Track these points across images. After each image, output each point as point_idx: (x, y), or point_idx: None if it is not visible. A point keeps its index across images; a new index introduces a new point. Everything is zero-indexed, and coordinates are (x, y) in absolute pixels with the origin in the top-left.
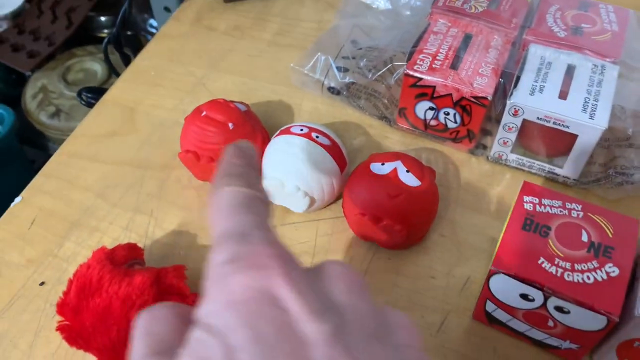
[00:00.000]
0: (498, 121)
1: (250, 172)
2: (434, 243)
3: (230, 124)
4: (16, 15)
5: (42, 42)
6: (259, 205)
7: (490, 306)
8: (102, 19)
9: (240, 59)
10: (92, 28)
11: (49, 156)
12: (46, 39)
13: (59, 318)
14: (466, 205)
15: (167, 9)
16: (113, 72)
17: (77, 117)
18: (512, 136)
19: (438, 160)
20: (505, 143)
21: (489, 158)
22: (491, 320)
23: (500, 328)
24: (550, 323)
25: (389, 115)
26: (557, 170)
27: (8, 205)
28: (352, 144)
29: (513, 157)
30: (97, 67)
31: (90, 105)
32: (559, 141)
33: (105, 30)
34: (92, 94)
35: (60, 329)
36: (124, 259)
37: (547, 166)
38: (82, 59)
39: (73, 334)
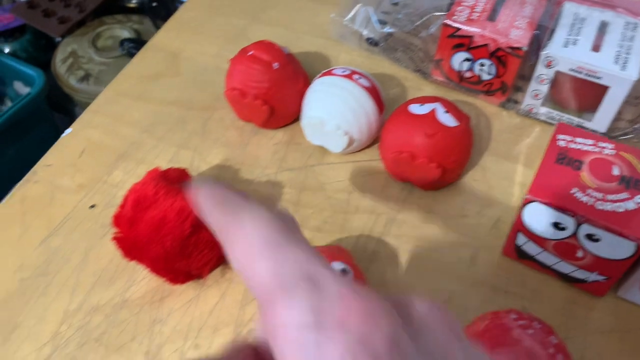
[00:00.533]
0: (529, 78)
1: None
2: (466, 186)
3: (275, 64)
4: None
5: (72, 8)
6: (293, 226)
7: (521, 239)
8: None
9: (280, 12)
10: None
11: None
12: (77, 5)
13: (108, 238)
14: (497, 153)
15: None
16: (155, 27)
17: (106, 81)
18: (544, 88)
19: (471, 112)
20: (536, 96)
21: (520, 112)
22: (520, 255)
23: (529, 263)
24: (580, 254)
25: (424, 68)
26: (586, 123)
27: (31, 166)
28: (387, 94)
29: (543, 110)
30: (126, 35)
31: (130, 54)
32: (589, 94)
33: (134, 1)
34: (134, 43)
35: (117, 239)
36: (176, 179)
37: (576, 120)
38: (111, 27)
39: (128, 244)
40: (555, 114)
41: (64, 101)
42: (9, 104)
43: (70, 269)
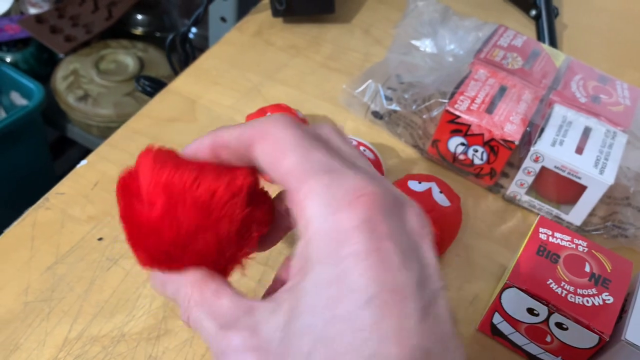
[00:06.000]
0: (517, 167)
1: None
2: (450, 261)
3: None
4: (59, 0)
5: (80, 28)
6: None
7: (497, 318)
8: (139, 17)
9: (293, 73)
10: (128, 24)
11: (65, 138)
12: (84, 26)
13: (113, 271)
14: (480, 233)
15: (223, 19)
16: (172, 68)
17: (104, 104)
18: (529, 179)
19: (459, 190)
20: (521, 185)
21: (504, 197)
22: (494, 332)
23: (501, 340)
24: (548, 338)
25: (422, 145)
26: (563, 215)
27: (19, 176)
28: (385, 164)
29: (526, 198)
30: (129, 61)
31: (146, 92)
32: (569, 190)
33: (140, 28)
34: (150, 82)
35: (140, 248)
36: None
37: (555, 211)
38: (115, 51)
39: (163, 247)
40: (537, 203)
41: (57, 116)
42: (2, 113)
43: (73, 298)
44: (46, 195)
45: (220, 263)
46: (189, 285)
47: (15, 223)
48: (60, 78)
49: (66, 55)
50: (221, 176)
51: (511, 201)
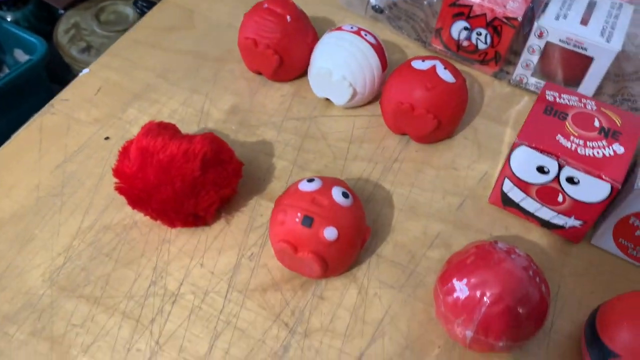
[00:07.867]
0: (520, 53)
1: None
2: (458, 143)
3: (288, 17)
4: None
5: None
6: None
7: (507, 185)
8: None
9: None
10: None
11: None
12: None
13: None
14: (488, 117)
15: None
16: None
17: None
18: (534, 59)
19: (466, 78)
20: (527, 66)
21: (511, 82)
22: (505, 202)
23: (512, 210)
24: (560, 198)
25: (425, 37)
26: None
27: None
28: (389, 59)
29: (532, 80)
30: (128, 11)
31: (144, 13)
32: (575, 66)
33: None
34: (147, 3)
35: (121, 190)
36: (171, 130)
37: None
38: (115, 3)
39: (135, 194)
40: (543, 84)
41: (62, 71)
42: (7, 71)
43: (84, 192)
44: (50, 102)
45: (181, 212)
46: None
47: (22, 128)
48: (62, 32)
49: (65, 11)
50: (183, 144)
51: (518, 86)
